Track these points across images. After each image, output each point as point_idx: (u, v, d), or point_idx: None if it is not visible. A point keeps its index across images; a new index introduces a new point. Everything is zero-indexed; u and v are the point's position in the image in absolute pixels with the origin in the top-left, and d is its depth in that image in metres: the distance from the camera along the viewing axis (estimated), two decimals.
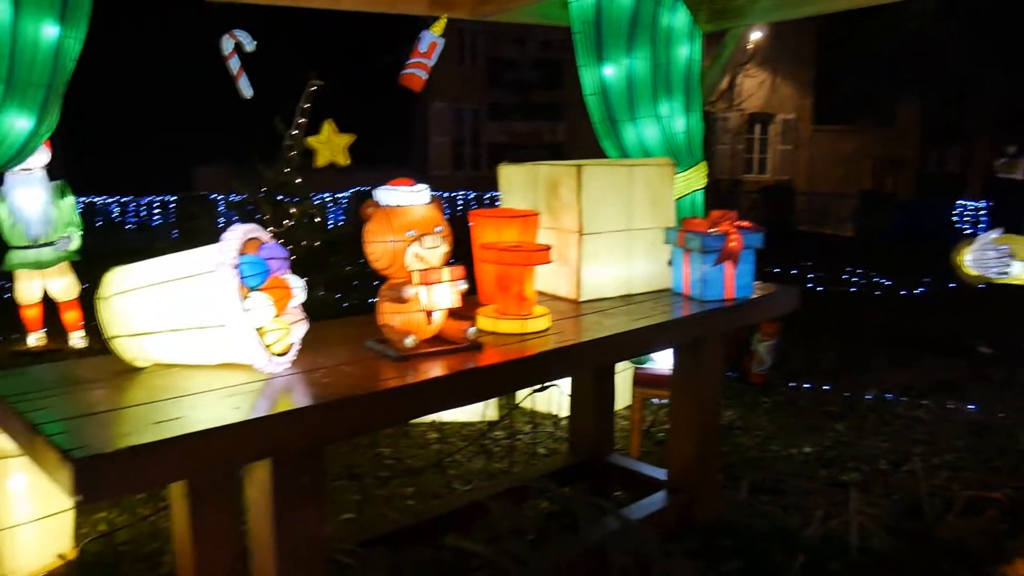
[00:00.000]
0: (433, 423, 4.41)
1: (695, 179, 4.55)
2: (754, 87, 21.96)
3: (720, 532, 3.05)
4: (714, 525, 3.09)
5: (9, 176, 5.62)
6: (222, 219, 14.41)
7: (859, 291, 9.23)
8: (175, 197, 15.32)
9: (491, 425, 4.35)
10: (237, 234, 1.88)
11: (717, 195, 4.48)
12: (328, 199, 15.02)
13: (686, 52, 4.36)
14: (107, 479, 1.53)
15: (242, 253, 1.87)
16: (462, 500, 3.15)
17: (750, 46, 20.35)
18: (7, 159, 3.07)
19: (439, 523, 2.96)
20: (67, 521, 3.01)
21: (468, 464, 3.90)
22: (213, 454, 1.66)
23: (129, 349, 2.00)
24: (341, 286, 5.55)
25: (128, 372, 2.03)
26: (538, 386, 3.99)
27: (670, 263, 3.07)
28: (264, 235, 1.96)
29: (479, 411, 4.43)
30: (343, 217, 15.32)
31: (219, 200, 14.74)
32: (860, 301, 8.67)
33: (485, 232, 2.75)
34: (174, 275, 1.91)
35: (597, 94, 4.32)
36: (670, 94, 4.34)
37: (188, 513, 2.27)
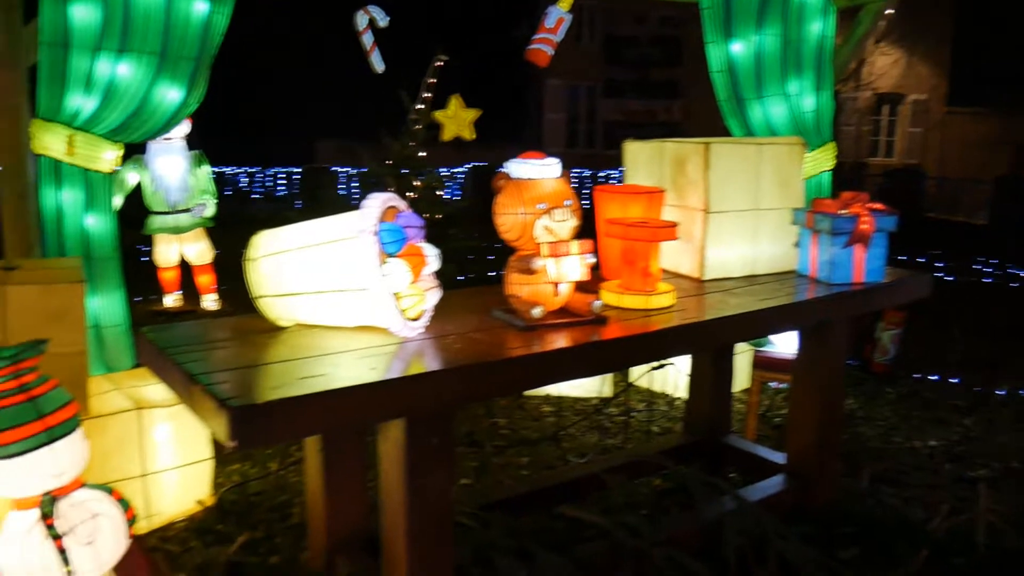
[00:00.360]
0: (547, 397, 4.47)
1: (823, 160, 4.43)
2: (886, 66, 21.03)
3: (839, 519, 3.00)
4: (832, 512, 3.04)
5: (152, 145, 5.95)
6: (343, 190, 14.85)
7: (993, 282, 8.78)
8: (299, 169, 15.87)
9: (605, 401, 4.38)
10: (377, 202, 1.96)
11: (840, 178, 4.32)
12: (445, 174, 15.27)
13: (818, 28, 4.23)
14: (258, 428, 1.63)
15: (381, 220, 1.95)
16: (576, 472, 3.19)
17: (881, 22, 19.47)
18: (159, 127, 3.26)
19: (554, 493, 3.02)
20: (206, 470, 3.21)
21: (582, 438, 3.94)
22: (353, 410, 1.75)
23: (274, 309, 2.12)
24: (458, 259, 5.66)
25: (272, 331, 2.15)
26: (656, 363, 3.99)
27: (797, 244, 3.01)
28: (402, 204, 2.03)
29: (593, 387, 4.46)
30: (459, 192, 15.54)
31: (340, 172, 15.18)
32: (994, 293, 8.25)
33: (610, 208, 2.76)
34: (318, 240, 2.01)
35: (724, 71, 4.25)
36: (800, 72, 4.22)
37: (322, 467, 2.40)
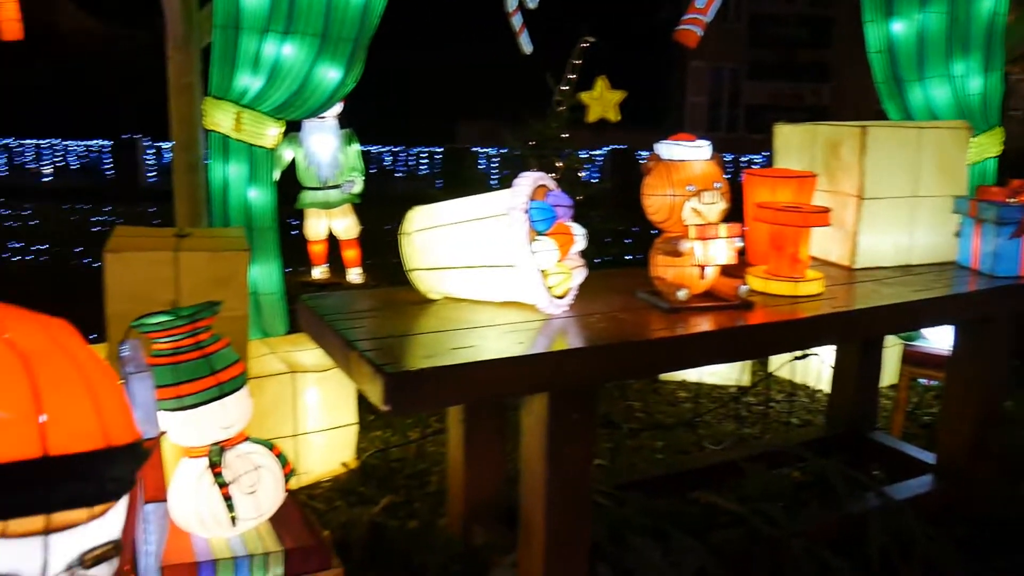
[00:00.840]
0: (683, 382, 4.43)
1: (989, 146, 4.17)
2: None
3: (993, 525, 2.85)
4: (986, 517, 2.89)
5: (307, 123, 6.21)
6: (483, 170, 15.08)
7: None
8: (440, 149, 16.22)
9: (743, 390, 4.30)
10: (528, 180, 1.99)
11: (1006, 166, 4.04)
12: (584, 156, 15.23)
13: (990, 5, 3.98)
14: (411, 394, 1.71)
15: (532, 199, 1.98)
16: (712, 459, 3.17)
17: None
18: (319, 105, 3.41)
19: (688, 478, 3.01)
20: (351, 435, 3.36)
21: (718, 425, 3.89)
22: (500, 382, 1.80)
23: (425, 282, 2.19)
24: (596, 241, 5.66)
25: (422, 302, 2.23)
26: (799, 353, 3.89)
27: (958, 234, 2.87)
28: (551, 183, 2.06)
29: (731, 375, 4.38)
30: (597, 175, 15.49)
31: (480, 153, 15.41)
32: None
33: (760, 191, 2.71)
34: (470, 216, 2.06)
35: (883, 52, 4.06)
36: (967, 52, 3.99)
37: (463, 437, 2.48)
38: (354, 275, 6.75)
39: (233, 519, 1.92)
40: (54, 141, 16.59)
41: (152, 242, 2.83)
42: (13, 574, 0.66)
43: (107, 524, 0.72)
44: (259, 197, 3.45)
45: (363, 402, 3.38)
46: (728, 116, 23.92)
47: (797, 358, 4.09)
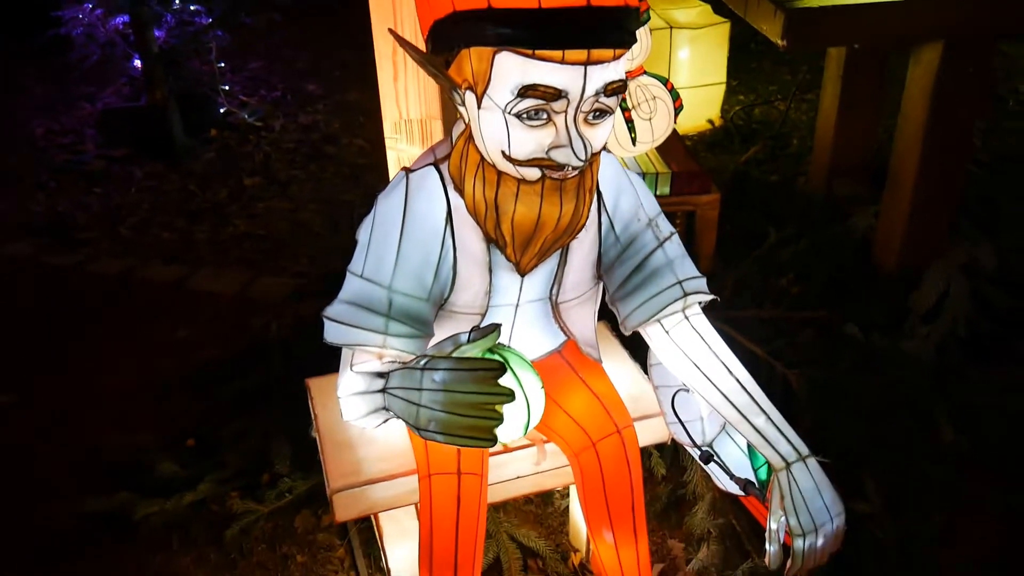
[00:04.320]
0: None
1: None
2: None
3: None
4: None
5: None
6: None
7: None
8: None
9: None
10: None
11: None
12: None
13: None
14: (806, 30, 1.82)
15: None
16: None
17: None
18: None
19: None
20: (717, 94, 3.52)
21: None
22: (892, 24, 1.84)
23: None
24: None
25: None
26: None
27: None
28: None
29: None
30: None
31: None
32: None
33: None
34: None
35: None
36: None
37: (838, 93, 2.55)
38: None
39: (633, 140, 2.22)
40: None
41: None
42: (564, 90, 0.95)
43: (620, 66, 0.98)
44: None
45: (730, 64, 3.49)
46: None
47: None
